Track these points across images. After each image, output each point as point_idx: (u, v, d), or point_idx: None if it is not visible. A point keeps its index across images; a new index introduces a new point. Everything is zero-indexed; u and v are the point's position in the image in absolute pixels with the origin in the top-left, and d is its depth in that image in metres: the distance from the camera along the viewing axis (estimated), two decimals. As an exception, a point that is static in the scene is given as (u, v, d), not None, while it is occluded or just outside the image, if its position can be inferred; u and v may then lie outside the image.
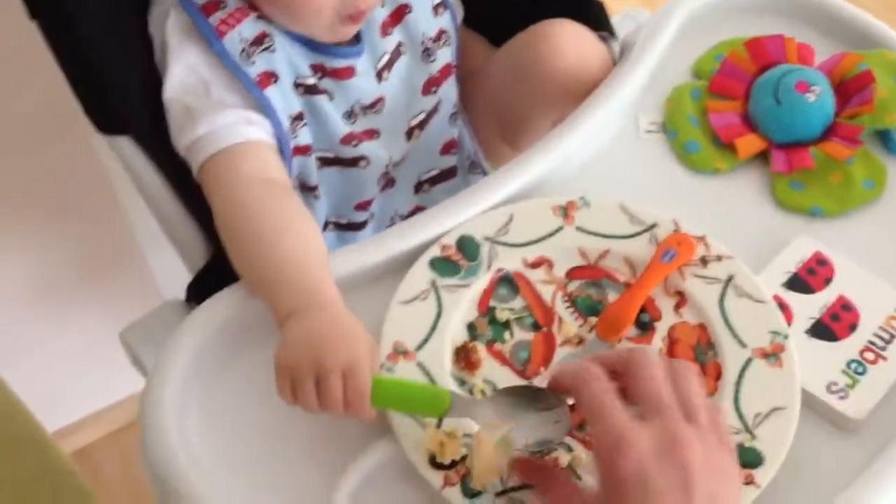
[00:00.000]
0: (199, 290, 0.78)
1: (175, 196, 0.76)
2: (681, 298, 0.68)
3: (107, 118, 0.73)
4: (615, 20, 0.90)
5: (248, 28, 0.72)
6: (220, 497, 0.60)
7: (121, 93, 0.72)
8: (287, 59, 0.74)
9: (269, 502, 0.61)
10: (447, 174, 0.87)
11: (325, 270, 0.65)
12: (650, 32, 0.84)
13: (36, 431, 0.87)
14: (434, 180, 0.86)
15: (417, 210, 0.85)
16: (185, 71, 0.72)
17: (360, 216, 0.84)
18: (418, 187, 0.86)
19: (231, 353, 0.66)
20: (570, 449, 0.61)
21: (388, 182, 0.84)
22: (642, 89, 0.81)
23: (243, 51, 0.72)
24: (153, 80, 0.73)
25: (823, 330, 0.66)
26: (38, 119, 1.03)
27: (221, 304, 0.66)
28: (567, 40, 0.80)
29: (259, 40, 0.73)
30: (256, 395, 0.64)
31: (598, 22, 0.87)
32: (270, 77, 0.73)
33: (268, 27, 0.73)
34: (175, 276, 1.21)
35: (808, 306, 0.67)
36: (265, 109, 0.72)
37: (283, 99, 0.74)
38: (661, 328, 0.67)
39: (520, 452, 0.59)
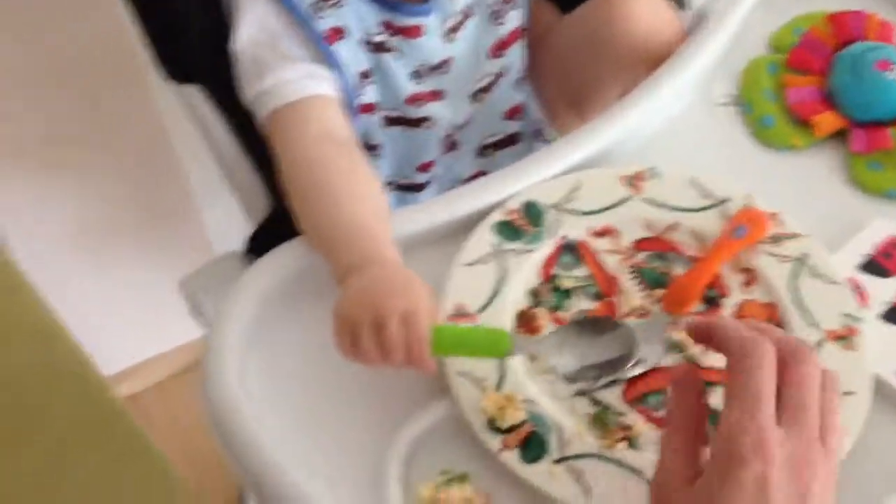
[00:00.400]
0: (260, 242, 0.78)
1: (240, 146, 0.76)
2: (750, 276, 0.66)
3: (176, 66, 0.73)
4: None
5: None
6: (275, 443, 0.59)
7: (190, 41, 0.71)
8: (356, 15, 0.73)
9: (323, 453, 0.61)
10: (511, 140, 0.85)
11: (387, 230, 0.65)
12: (727, 2, 0.81)
13: (92, 373, 0.89)
14: (498, 145, 0.85)
15: (479, 175, 0.84)
16: (254, 22, 0.71)
17: (421, 177, 0.83)
18: (481, 151, 0.85)
19: (294, 303, 0.66)
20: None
21: (451, 145, 0.83)
22: (717, 60, 0.79)
23: (313, 3, 0.71)
24: (223, 29, 0.72)
25: (898, 315, 0.64)
26: (100, 68, 1.03)
27: (287, 255, 0.66)
28: (640, 7, 0.78)
29: None
30: (317, 347, 0.64)
31: None
32: (339, 32, 0.72)
33: None
34: (227, 229, 1.22)
35: (884, 290, 0.65)
36: (333, 64, 0.71)
37: (352, 55, 0.73)
38: (729, 305, 0.65)
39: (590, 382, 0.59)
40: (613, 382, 0.62)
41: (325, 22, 0.71)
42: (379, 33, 0.74)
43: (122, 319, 1.29)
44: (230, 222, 1.06)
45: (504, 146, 0.85)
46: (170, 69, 0.73)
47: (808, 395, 0.49)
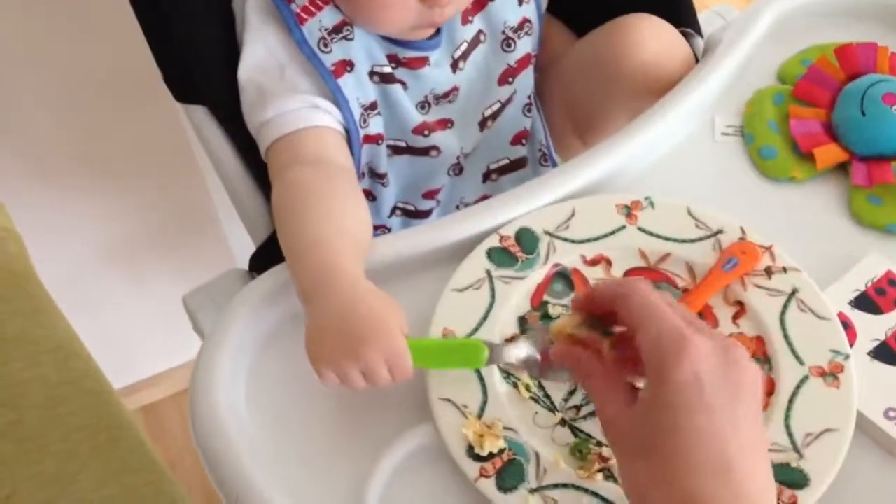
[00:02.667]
0: (261, 262, 0.79)
1: (244, 168, 0.77)
2: (740, 308, 0.66)
3: (183, 87, 0.75)
4: (702, 17, 0.88)
5: (329, 17, 0.73)
6: (258, 466, 0.60)
7: (197, 64, 0.73)
8: (364, 48, 0.74)
9: (306, 475, 0.62)
10: (517, 164, 0.86)
11: (356, 252, 0.64)
12: (736, 31, 0.81)
13: (103, 386, 0.91)
14: (503, 170, 0.86)
15: (484, 198, 0.84)
16: (262, 51, 0.73)
17: (427, 204, 0.84)
18: (486, 176, 0.86)
19: (284, 324, 0.67)
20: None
21: (457, 171, 0.84)
22: (722, 90, 0.79)
23: (321, 39, 0.72)
24: (231, 53, 0.74)
25: (887, 353, 0.63)
26: (126, 87, 1.06)
27: (278, 276, 0.67)
28: (648, 35, 0.78)
29: (338, 29, 0.73)
30: (304, 368, 0.65)
31: (684, 17, 0.84)
32: (346, 65, 0.73)
33: (346, 17, 0.74)
34: (249, 244, 1.24)
35: (874, 327, 0.65)
36: (337, 98, 0.72)
37: (358, 87, 0.74)
38: (717, 337, 0.65)
39: None
40: (594, 413, 0.62)
41: (333, 55, 0.73)
42: (386, 65, 0.76)
43: (145, 330, 1.32)
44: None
45: (509, 171, 0.86)
46: (176, 89, 0.75)
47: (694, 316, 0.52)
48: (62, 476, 0.84)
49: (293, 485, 0.60)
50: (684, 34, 0.83)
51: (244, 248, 1.28)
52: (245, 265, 0.87)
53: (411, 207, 0.84)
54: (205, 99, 0.75)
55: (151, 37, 0.73)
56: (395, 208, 0.84)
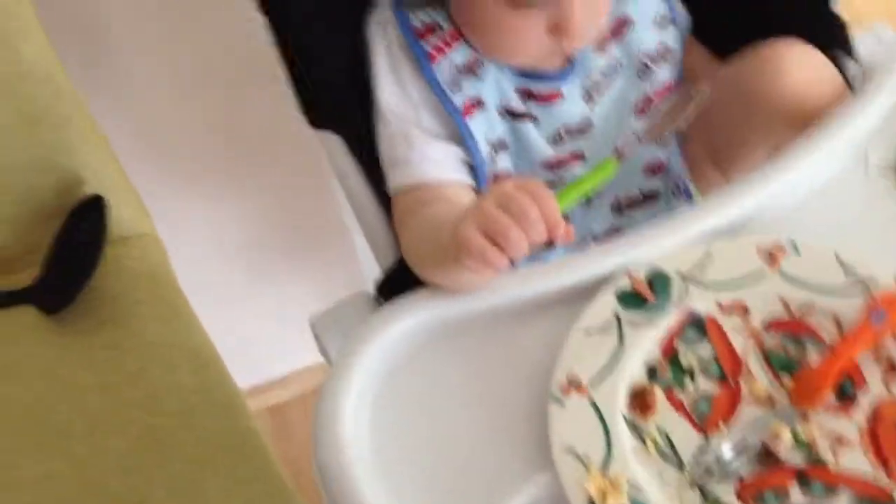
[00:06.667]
0: (388, 288, 0.79)
1: (372, 194, 0.77)
2: (892, 368, 0.61)
3: (316, 113, 0.75)
4: (858, 38, 0.82)
5: (460, 54, 0.73)
6: (375, 496, 0.60)
7: (328, 91, 0.74)
8: (495, 85, 0.74)
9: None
10: (649, 196, 0.82)
11: None
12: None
13: (234, 397, 0.94)
14: (634, 202, 0.82)
15: (614, 231, 0.81)
16: (397, 88, 0.73)
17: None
18: (617, 207, 0.83)
19: (409, 357, 0.66)
20: None
21: (585, 201, 0.81)
22: (879, 124, 0.73)
23: (452, 79, 0.72)
24: (363, 83, 0.74)
25: None
26: (259, 106, 1.08)
27: (404, 308, 0.66)
28: (794, 62, 0.73)
29: (469, 67, 0.73)
30: (429, 406, 0.64)
31: (836, 39, 0.79)
32: (476, 104, 0.73)
33: (477, 52, 0.73)
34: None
35: None
36: (464, 136, 0.72)
37: (488, 125, 0.74)
38: (864, 401, 0.61)
39: None
40: (727, 475, 0.59)
41: (464, 94, 0.73)
42: (516, 100, 0.74)
43: (275, 331, 1.35)
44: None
45: (641, 203, 0.82)
46: (309, 115, 0.75)
47: None
48: (191, 485, 0.87)
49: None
50: (836, 58, 0.77)
51: (373, 263, 1.30)
52: (373, 275, 0.87)
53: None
54: (335, 125, 0.75)
55: (284, 60, 0.74)
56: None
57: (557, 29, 0.71)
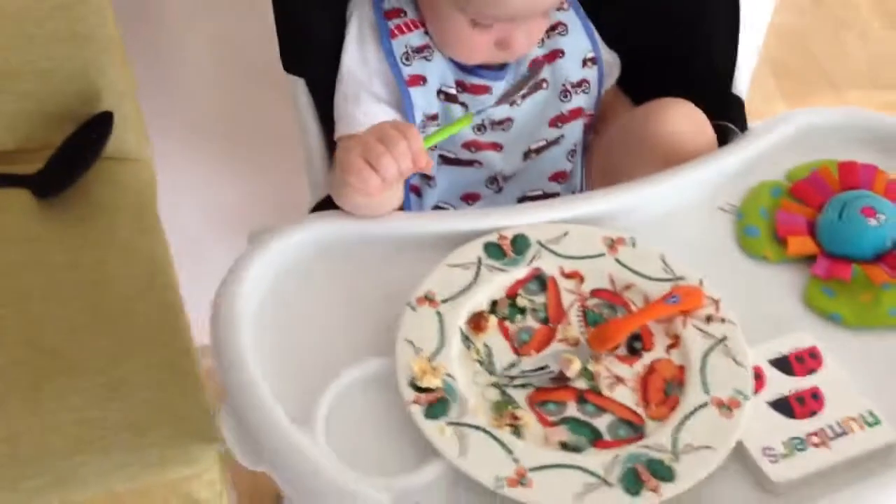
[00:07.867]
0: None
1: (321, 135, 0.95)
2: (675, 341, 0.77)
3: (293, 59, 0.93)
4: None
5: (416, 38, 0.91)
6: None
7: (307, 42, 0.92)
8: (439, 70, 0.91)
9: (287, 370, 0.75)
10: (549, 198, 0.99)
11: None
12: (763, 129, 0.93)
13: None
14: (536, 200, 0.99)
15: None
16: (358, 55, 0.91)
17: (465, 206, 0.98)
18: (521, 202, 0.99)
19: (297, 263, 0.81)
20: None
21: (496, 188, 0.98)
22: (733, 174, 0.90)
23: (405, 54, 0.90)
24: (336, 47, 0.92)
25: (785, 406, 0.72)
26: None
27: (305, 224, 0.83)
28: (679, 115, 0.91)
29: (421, 50, 0.91)
30: (308, 303, 0.79)
31: (730, 112, 0.97)
32: (420, 79, 0.90)
33: (431, 41, 0.91)
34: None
35: (782, 384, 0.74)
36: (405, 104, 0.90)
37: (426, 100, 0.91)
38: (647, 358, 0.76)
39: None
40: (525, 386, 0.74)
41: (412, 69, 0.90)
42: (452, 87, 0.92)
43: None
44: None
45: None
46: (287, 60, 0.93)
47: None
48: (118, 356, 1.01)
49: (275, 373, 0.73)
50: (724, 127, 0.95)
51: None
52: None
53: (450, 208, 0.99)
54: (307, 73, 0.93)
55: (277, 12, 0.92)
56: (436, 206, 0.99)
57: (502, 44, 0.89)
